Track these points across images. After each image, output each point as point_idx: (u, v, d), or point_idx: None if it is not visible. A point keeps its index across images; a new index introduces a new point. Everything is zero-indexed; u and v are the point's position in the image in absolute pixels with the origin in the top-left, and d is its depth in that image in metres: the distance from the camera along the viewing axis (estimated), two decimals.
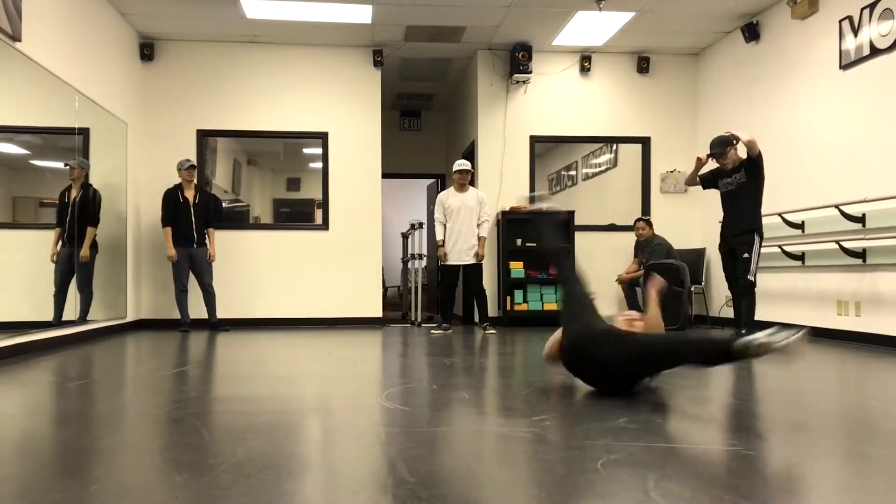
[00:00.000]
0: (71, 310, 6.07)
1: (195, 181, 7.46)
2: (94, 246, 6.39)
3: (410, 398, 3.54)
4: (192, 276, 7.35)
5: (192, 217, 7.26)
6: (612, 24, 7.45)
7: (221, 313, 7.53)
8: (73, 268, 6.15)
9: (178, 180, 7.33)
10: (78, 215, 6.18)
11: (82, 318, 6.27)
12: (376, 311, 8.24)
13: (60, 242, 6.02)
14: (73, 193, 6.20)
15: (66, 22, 6.00)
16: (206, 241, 7.39)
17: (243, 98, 8.09)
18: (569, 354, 3.30)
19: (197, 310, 7.38)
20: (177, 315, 7.33)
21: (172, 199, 7.28)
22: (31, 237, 5.92)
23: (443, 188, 11.25)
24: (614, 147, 8.92)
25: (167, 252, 7.23)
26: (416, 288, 8.62)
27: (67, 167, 6.23)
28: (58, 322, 5.88)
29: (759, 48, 7.30)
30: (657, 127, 8.53)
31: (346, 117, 8.24)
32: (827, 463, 2.36)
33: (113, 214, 7.03)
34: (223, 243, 7.80)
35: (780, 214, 6.61)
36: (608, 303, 8.16)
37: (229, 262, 7.86)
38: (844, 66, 6.04)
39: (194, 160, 7.64)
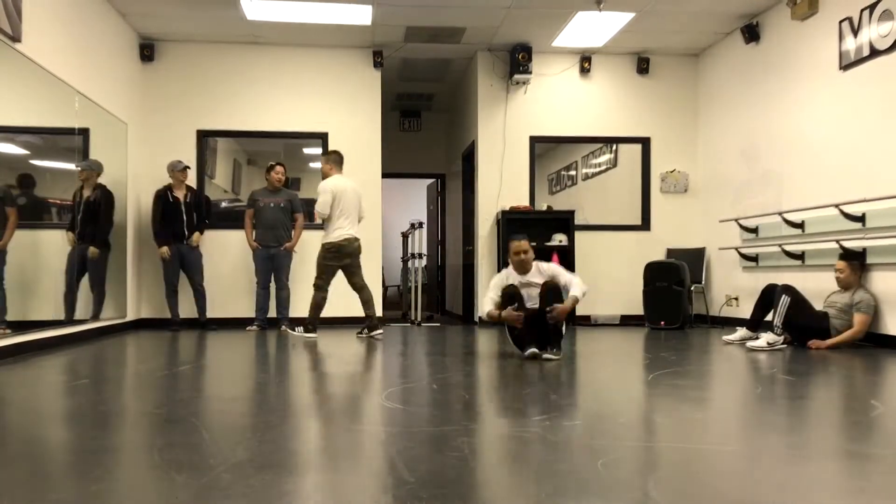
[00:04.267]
0: (78, 308, 6.17)
1: (186, 181, 7.50)
2: (107, 245, 6.59)
3: (410, 398, 3.55)
4: (183, 276, 7.41)
5: (183, 216, 7.31)
6: (612, 24, 7.45)
7: (222, 313, 7.56)
8: (84, 267, 6.32)
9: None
10: (89, 215, 6.34)
11: (95, 316, 6.46)
12: (376, 310, 8.21)
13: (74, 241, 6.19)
14: (86, 194, 6.34)
15: (66, 22, 6.00)
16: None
17: (243, 98, 8.09)
18: None
19: (189, 309, 7.44)
20: None
21: (162, 199, 7.33)
22: (31, 237, 5.91)
23: (443, 188, 11.25)
24: (614, 147, 8.92)
25: (159, 250, 7.28)
26: (416, 287, 8.62)
27: (78, 169, 6.36)
28: (69, 321, 6.02)
29: (759, 49, 7.29)
30: (657, 127, 8.53)
31: (346, 118, 8.23)
32: (827, 463, 2.36)
33: (113, 214, 7.04)
34: (223, 243, 7.81)
35: (780, 214, 6.61)
36: (616, 304, 8.19)
37: (229, 262, 7.86)
38: (844, 67, 6.04)
39: (193, 161, 7.66)
